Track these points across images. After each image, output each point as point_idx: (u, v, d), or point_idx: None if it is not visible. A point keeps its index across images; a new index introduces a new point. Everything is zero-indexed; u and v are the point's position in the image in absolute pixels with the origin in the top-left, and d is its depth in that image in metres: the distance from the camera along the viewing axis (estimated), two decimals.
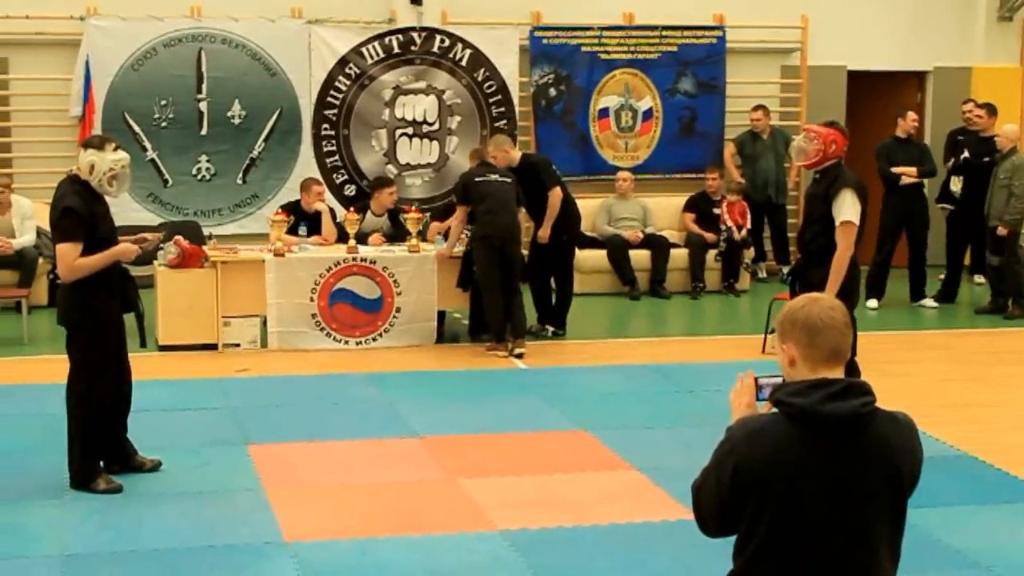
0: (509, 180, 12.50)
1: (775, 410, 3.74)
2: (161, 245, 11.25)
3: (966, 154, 15.23)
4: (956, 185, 15.32)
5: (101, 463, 8.17)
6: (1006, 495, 8.32)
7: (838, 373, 3.75)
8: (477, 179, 12.48)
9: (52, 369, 10.05)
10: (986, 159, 14.74)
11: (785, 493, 3.64)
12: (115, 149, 8.13)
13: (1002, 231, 14.18)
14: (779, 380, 3.85)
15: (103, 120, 15.07)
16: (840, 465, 3.66)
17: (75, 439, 8.07)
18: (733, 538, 3.80)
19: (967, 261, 15.92)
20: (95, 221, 7.96)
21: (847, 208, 8.73)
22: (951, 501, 8.02)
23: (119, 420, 8.33)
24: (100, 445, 8.15)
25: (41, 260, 13.88)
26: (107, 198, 8.20)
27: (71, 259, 7.86)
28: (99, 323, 7.99)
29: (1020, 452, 9.09)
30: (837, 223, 8.72)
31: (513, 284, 12.38)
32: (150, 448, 8.60)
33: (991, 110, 15.34)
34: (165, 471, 8.45)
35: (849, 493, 3.66)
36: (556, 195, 12.81)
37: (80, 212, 7.88)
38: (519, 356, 12.14)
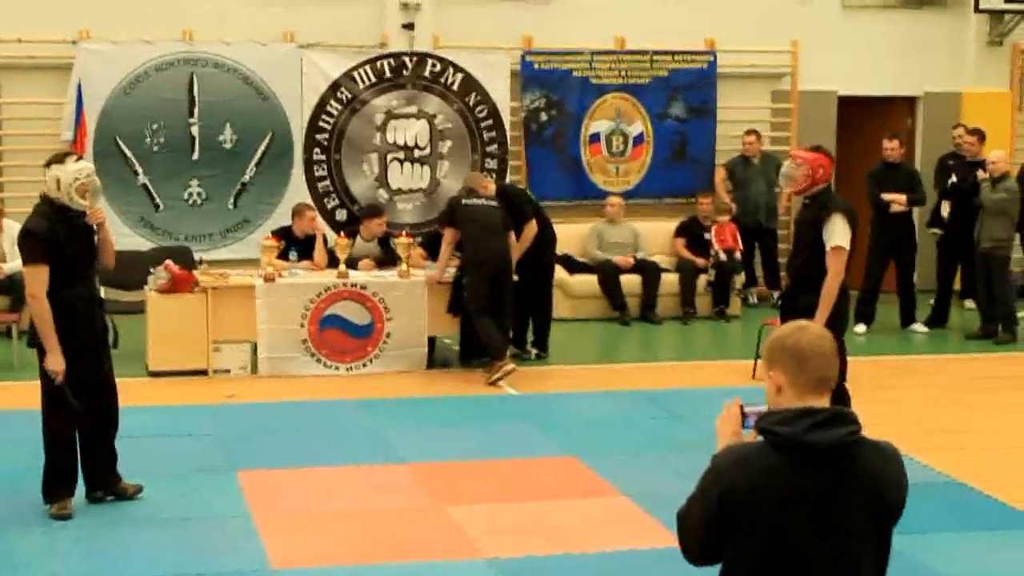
0: (495, 204, 12.54)
1: (760, 438, 3.74)
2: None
3: (954, 179, 15.28)
4: (946, 210, 15.36)
5: (68, 485, 8.17)
6: (994, 522, 8.32)
7: (824, 401, 3.76)
8: (464, 202, 12.53)
9: None
10: (974, 183, 14.76)
11: (770, 522, 3.64)
12: (76, 160, 8.22)
13: None
14: (764, 408, 3.85)
15: (95, 144, 15.06)
16: (825, 494, 3.66)
17: (45, 455, 8.14)
18: (719, 567, 3.80)
19: (957, 286, 15.93)
20: (58, 243, 7.95)
21: (837, 233, 8.73)
22: (939, 528, 8.02)
23: (104, 443, 8.31)
24: (65, 465, 8.15)
25: None
26: (88, 220, 8.20)
27: (33, 282, 7.91)
28: (63, 347, 7.96)
29: (1008, 478, 9.09)
30: (827, 248, 8.72)
31: (506, 309, 12.39)
32: (139, 474, 8.57)
33: (981, 136, 15.40)
34: (153, 498, 8.43)
35: (834, 522, 3.66)
36: (532, 228, 12.87)
37: (39, 233, 7.93)
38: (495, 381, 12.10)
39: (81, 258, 8.11)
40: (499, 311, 12.28)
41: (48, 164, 8.12)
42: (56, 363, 7.90)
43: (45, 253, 7.89)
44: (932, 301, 15.43)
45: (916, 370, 13.19)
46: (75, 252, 8.05)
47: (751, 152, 16.69)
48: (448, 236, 12.54)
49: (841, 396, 8.22)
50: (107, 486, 8.36)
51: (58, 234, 7.96)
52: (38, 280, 7.89)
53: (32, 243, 7.95)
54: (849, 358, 8.72)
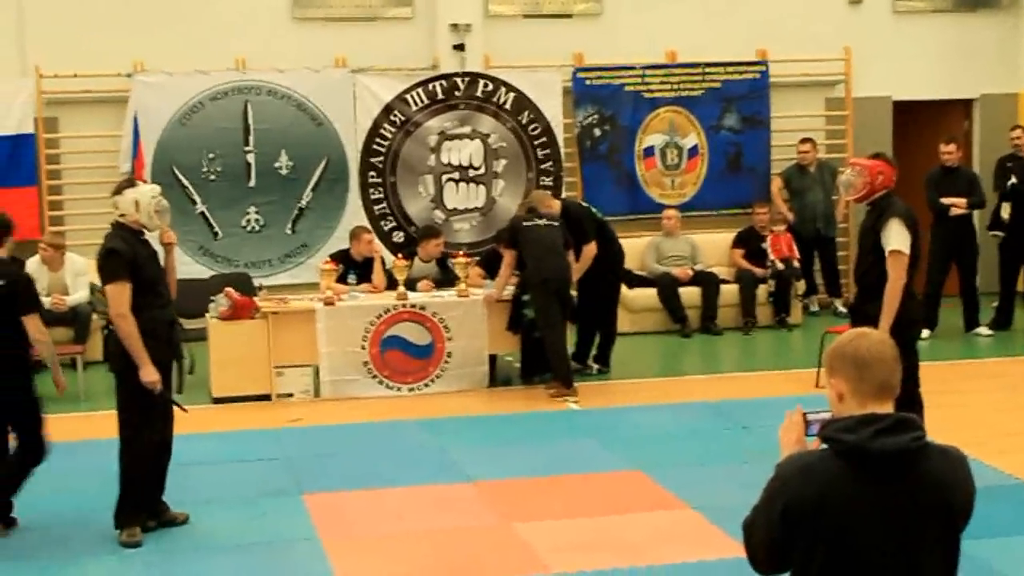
0: (556, 224, 12.53)
1: (824, 446, 3.72)
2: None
3: (1014, 180, 15.16)
4: (1006, 212, 15.25)
5: (143, 512, 8.24)
6: None
7: (888, 407, 3.74)
8: (525, 224, 12.53)
9: (109, 424, 10.07)
10: None
11: (836, 530, 3.63)
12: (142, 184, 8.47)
13: None
14: (827, 415, 3.83)
15: (152, 175, 15.15)
16: (891, 501, 3.64)
17: (120, 482, 8.19)
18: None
19: (1020, 287, 15.80)
20: (138, 263, 8.05)
21: (895, 237, 8.66)
22: (1010, 531, 7.94)
23: (159, 471, 8.38)
24: (142, 490, 8.22)
25: (95, 316, 13.98)
26: (162, 240, 8.36)
27: (119, 300, 7.96)
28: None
29: None
30: (886, 253, 8.66)
31: (564, 325, 12.43)
32: (207, 500, 8.64)
33: None
34: (221, 523, 8.49)
35: (901, 529, 3.64)
36: (591, 249, 12.83)
37: (123, 253, 8.01)
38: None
39: (159, 279, 8.21)
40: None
41: (120, 191, 8.25)
42: (150, 374, 7.97)
43: (127, 270, 7.97)
44: (995, 304, 15.31)
45: (982, 373, 13.09)
46: (152, 273, 8.16)
47: (807, 160, 16.62)
48: (508, 257, 12.55)
49: (913, 403, 8.16)
50: (156, 514, 8.42)
51: (138, 254, 8.08)
52: (123, 297, 7.95)
53: (114, 261, 8.02)
54: None
